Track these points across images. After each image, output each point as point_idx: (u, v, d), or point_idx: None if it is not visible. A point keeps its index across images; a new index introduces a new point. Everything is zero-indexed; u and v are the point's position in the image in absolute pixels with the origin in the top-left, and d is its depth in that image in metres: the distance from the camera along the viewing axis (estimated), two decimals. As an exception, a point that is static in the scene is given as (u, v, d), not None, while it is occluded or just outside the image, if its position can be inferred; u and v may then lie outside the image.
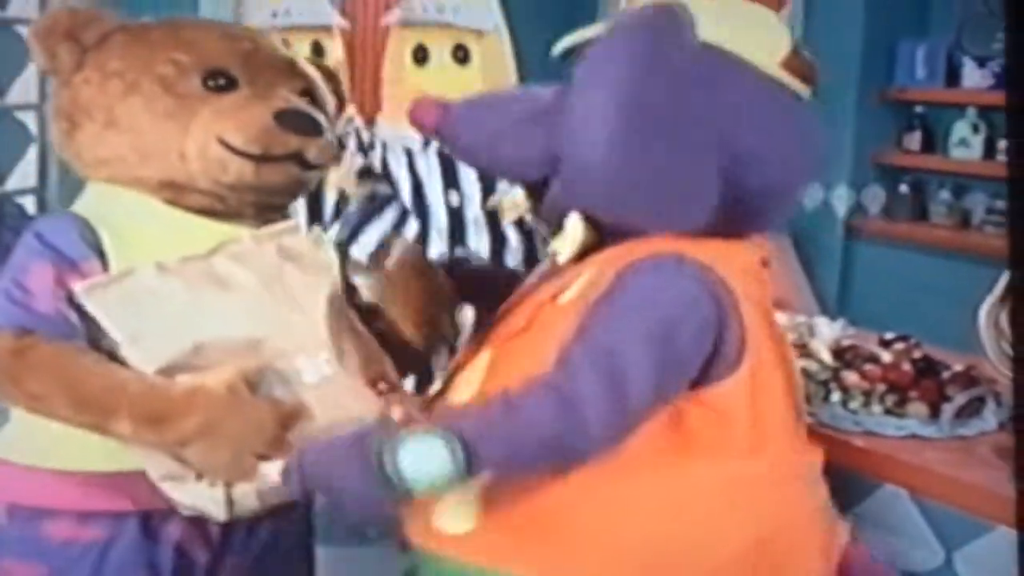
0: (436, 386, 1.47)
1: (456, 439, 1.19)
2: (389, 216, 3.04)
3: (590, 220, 1.40)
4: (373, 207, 3.02)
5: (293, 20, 2.97)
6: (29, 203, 5.42)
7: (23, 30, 5.19)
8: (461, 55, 2.94)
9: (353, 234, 3.02)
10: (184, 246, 1.39)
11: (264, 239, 1.45)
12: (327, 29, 3.08)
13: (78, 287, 1.34)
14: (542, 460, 1.26)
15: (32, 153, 5.41)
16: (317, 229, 2.42)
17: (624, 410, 1.25)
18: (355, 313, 1.51)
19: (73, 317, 1.35)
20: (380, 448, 1.19)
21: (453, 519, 1.30)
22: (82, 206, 1.46)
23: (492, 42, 2.98)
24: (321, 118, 1.46)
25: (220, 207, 1.44)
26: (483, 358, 1.39)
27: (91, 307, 1.33)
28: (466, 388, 1.38)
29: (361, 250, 3.01)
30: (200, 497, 1.34)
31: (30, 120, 5.37)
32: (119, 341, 1.33)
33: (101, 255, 1.37)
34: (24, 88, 5.31)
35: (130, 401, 1.30)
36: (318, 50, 3.08)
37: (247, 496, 1.34)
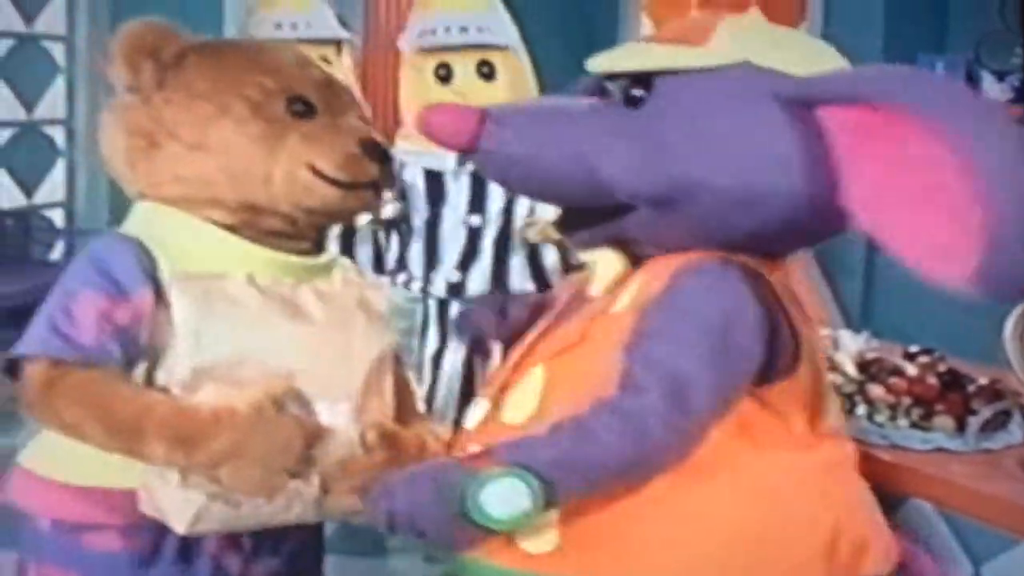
0: (481, 407, 1.45)
1: (534, 477, 1.21)
2: (411, 245, 2.96)
3: (622, 249, 1.40)
4: (406, 237, 2.94)
5: (299, 34, 2.88)
6: (57, 216, 5.48)
7: (51, 45, 5.26)
8: (486, 70, 2.82)
9: (398, 268, 2.96)
10: (240, 274, 1.41)
11: (353, 285, 1.49)
12: (335, 43, 3.00)
13: (172, 279, 1.36)
14: (617, 482, 1.28)
15: (60, 167, 5.47)
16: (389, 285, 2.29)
17: (691, 421, 1.27)
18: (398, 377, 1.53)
19: (114, 349, 1.36)
20: (462, 491, 1.21)
21: (536, 538, 1.31)
22: (139, 226, 1.46)
23: (514, 58, 2.92)
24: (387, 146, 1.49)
25: (290, 229, 1.46)
26: (535, 375, 1.39)
27: (174, 294, 1.35)
28: (520, 407, 1.38)
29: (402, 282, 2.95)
30: (171, 505, 1.36)
31: (58, 134, 5.43)
32: (178, 328, 1.35)
33: (155, 281, 1.38)
34: (52, 103, 5.37)
35: (159, 425, 1.32)
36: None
37: (213, 517, 1.35)
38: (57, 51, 5.27)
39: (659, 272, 1.35)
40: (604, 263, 1.42)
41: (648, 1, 5.80)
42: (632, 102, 1.39)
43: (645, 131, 1.36)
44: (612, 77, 1.44)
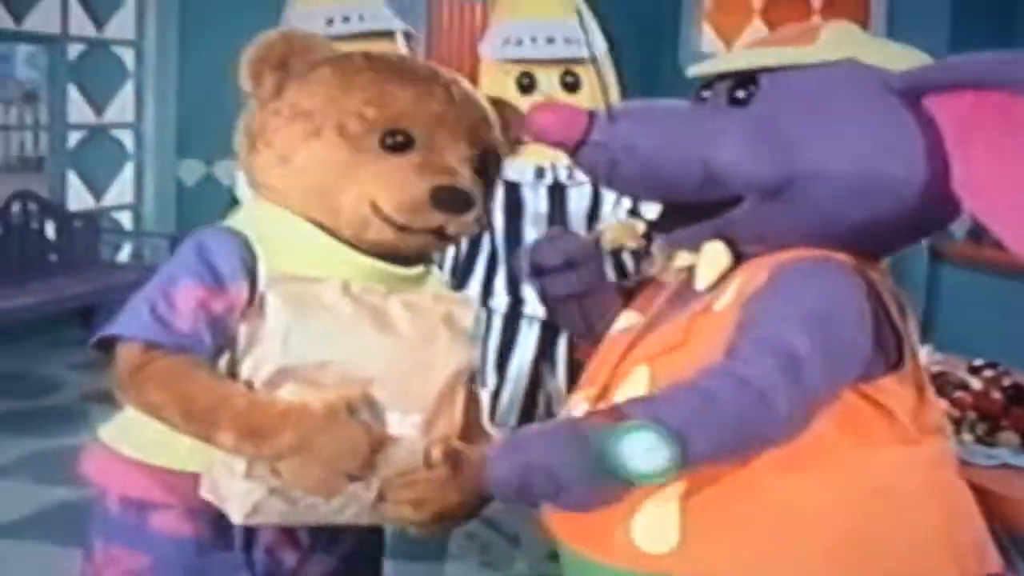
0: (581, 409, 1.43)
1: (668, 430, 1.19)
2: (486, 250, 2.91)
3: (730, 244, 1.40)
4: (474, 244, 2.89)
5: (351, 27, 2.71)
6: (125, 218, 5.58)
7: (120, 50, 5.36)
8: (571, 80, 2.71)
9: (463, 278, 2.91)
10: (338, 278, 1.43)
11: (442, 300, 1.50)
12: (388, 35, 2.80)
13: (271, 273, 1.40)
14: (739, 448, 1.26)
15: (129, 170, 5.57)
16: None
17: (804, 395, 1.25)
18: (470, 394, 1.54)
19: (207, 337, 1.40)
20: (601, 443, 1.19)
21: (657, 537, 1.29)
22: (246, 221, 1.50)
23: (599, 68, 2.83)
24: (476, 193, 1.46)
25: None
26: (639, 375, 1.38)
27: (270, 295, 1.39)
28: None
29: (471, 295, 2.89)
30: (232, 494, 1.38)
31: (127, 138, 5.53)
32: (269, 327, 1.38)
33: (253, 275, 1.41)
34: (121, 107, 5.47)
35: (233, 415, 1.35)
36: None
37: (270, 510, 1.38)
38: (127, 56, 5.38)
39: (760, 269, 1.34)
40: (712, 254, 1.41)
41: (711, 11, 5.81)
42: (737, 102, 1.39)
43: (758, 122, 1.36)
44: (708, 85, 1.45)
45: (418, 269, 1.53)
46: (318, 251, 1.45)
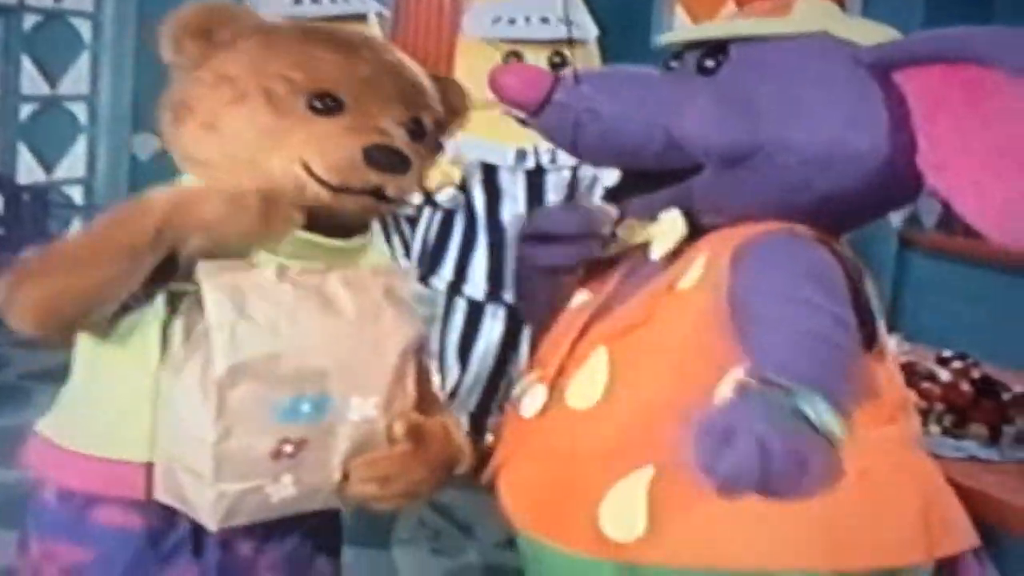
0: (539, 393, 1.41)
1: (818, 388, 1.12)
2: (458, 235, 2.86)
3: (688, 214, 1.37)
4: (444, 229, 2.84)
5: (323, 9, 2.67)
6: (76, 193, 5.49)
7: (77, 21, 5.26)
8: (558, 60, 2.69)
9: (433, 263, 2.86)
10: (270, 255, 1.40)
11: (380, 273, 1.47)
12: (361, 17, 2.74)
13: (202, 264, 1.35)
14: (845, 405, 1.16)
15: (82, 143, 5.48)
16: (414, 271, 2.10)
17: (852, 345, 1.22)
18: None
19: None
20: (795, 407, 1.08)
21: (624, 524, 1.26)
22: None
23: (587, 50, 2.82)
24: (412, 154, 1.43)
25: None
26: (598, 357, 1.36)
27: (205, 284, 1.34)
28: (586, 391, 1.35)
29: (441, 281, 2.85)
30: (204, 500, 1.35)
31: (81, 111, 5.43)
32: (213, 324, 1.34)
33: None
34: (76, 78, 5.37)
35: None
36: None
37: (245, 510, 1.36)
38: (84, 28, 5.29)
39: (724, 244, 1.31)
40: (668, 223, 1.38)
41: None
42: (705, 72, 1.38)
43: (723, 90, 1.35)
44: (678, 56, 1.44)
45: (357, 241, 1.49)
46: None
